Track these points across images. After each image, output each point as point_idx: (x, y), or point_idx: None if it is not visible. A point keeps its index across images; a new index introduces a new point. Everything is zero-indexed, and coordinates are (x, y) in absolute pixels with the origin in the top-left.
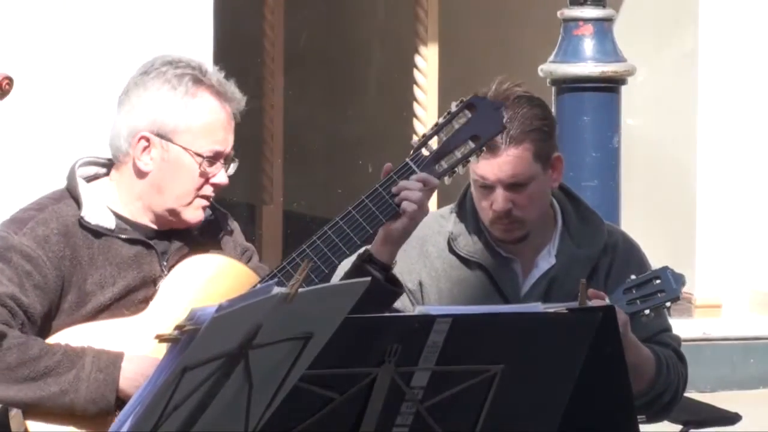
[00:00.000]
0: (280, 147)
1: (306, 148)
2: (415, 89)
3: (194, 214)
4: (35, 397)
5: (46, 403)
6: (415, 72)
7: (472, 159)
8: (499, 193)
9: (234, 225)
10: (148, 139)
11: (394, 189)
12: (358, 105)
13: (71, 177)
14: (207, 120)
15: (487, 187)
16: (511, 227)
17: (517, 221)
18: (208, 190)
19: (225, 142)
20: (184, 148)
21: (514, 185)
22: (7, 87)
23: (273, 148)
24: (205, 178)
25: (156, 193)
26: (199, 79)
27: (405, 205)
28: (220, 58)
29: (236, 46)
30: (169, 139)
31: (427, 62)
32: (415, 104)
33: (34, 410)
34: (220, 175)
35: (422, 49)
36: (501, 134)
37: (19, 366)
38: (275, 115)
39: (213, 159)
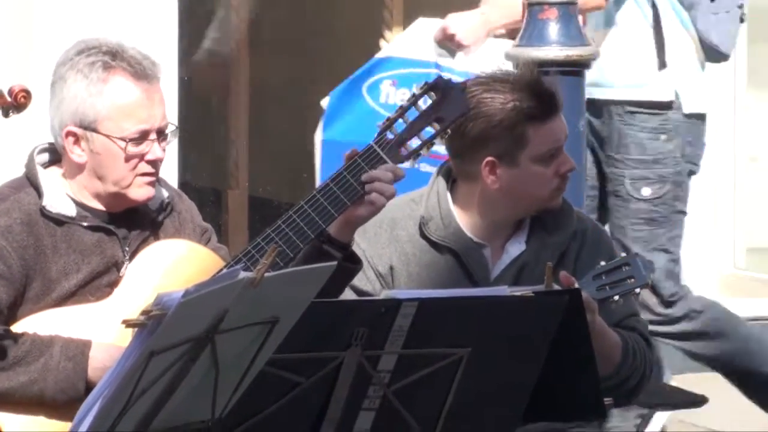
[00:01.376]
0: (245, 132)
1: (272, 132)
2: None
3: (139, 192)
4: (4, 387)
5: (15, 394)
6: None
7: (437, 141)
8: (565, 152)
9: (191, 205)
10: (74, 134)
11: (364, 177)
12: (324, 89)
13: (30, 164)
14: (123, 103)
15: (552, 156)
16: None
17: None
18: (145, 168)
19: (150, 118)
20: (106, 136)
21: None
22: (23, 100)
23: (239, 132)
24: (139, 157)
25: (97, 180)
26: (109, 64)
27: (375, 197)
28: (185, 43)
29: (202, 31)
30: (93, 129)
31: None
32: None
33: (4, 401)
34: (154, 151)
35: (387, 33)
36: (553, 94)
37: None
38: (241, 99)
39: (140, 139)
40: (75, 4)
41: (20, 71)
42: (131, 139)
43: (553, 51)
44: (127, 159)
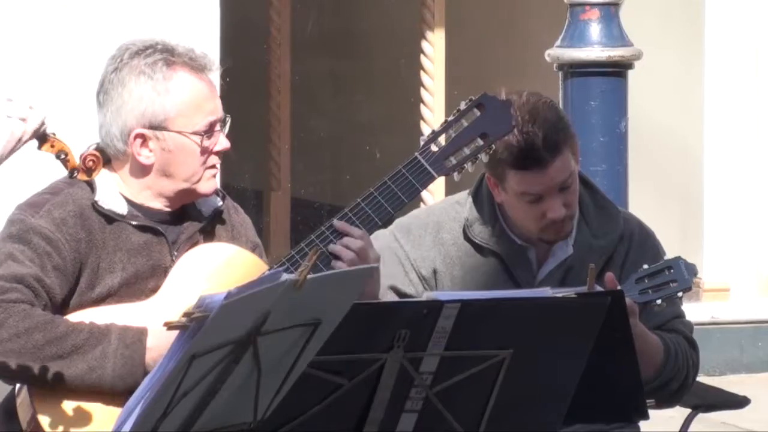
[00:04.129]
0: (288, 133)
1: (313, 133)
2: (422, 75)
3: (207, 185)
4: (63, 375)
5: (74, 381)
6: (422, 57)
7: (481, 156)
8: (555, 201)
9: (246, 219)
10: (143, 135)
11: (330, 250)
12: (365, 91)
13: None
14: (191, 97)
15: (538, 199)
16: (564, 226)
17: (569, 218)
18: (214, 160)
19: (215, 110)
20: (180, 132)
21: (563, 188)
22: (91, 164)
23: (280, 134)
24: (209, 150)
25: (165, 179)
26: (170, 60)
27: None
28: (226, 45)
29: (243, 32)
30: (164, 128)
31: (434, 48)
32: (421, 90)
33: (63, 388)
34: (221, 142)
35: (429, 34)
36: (543, 145)
37: (46, 344)
38: (282, 100)
39: (210, 131)
40: (116, 6)
41: (62, 78)
42: (204, 132)
43: (595, 51)
44: (203, 152)
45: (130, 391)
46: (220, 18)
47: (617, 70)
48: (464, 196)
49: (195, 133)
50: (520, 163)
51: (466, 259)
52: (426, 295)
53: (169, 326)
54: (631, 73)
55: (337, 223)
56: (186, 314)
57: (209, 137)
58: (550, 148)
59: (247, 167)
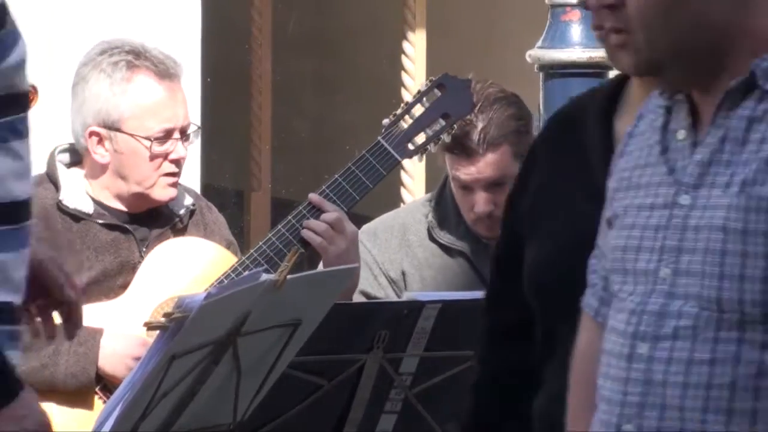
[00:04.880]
0: (268, 133)
1: (294, 134)
2: (403, 75)
3: (162, 192)
4: None
5: (27, 378)
6: (403, 58)
7: (443, 136)
8: (480, 196)
9: (219, 217)
10: (98, 134)
11: (303, 225)
12: (346, 91)
13: (51, 162)
14: (148, 102)
15: (468, 188)
16: (494, 225)
17: (499, 219)
18: (168, 168)
19: (174, 118)
20: (131, 135)
21: (494, 185)
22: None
23: (261, 134)
24: (162, 157)
25: (120, 180)
26: (133, 63)
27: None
28: (207, 45)
29: (224, 32)
30: (116, 129)
31: (415, 48)
32: (403, 90)
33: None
34: (177, 150)
35: (410, 35)
36: (478, 137)
37: None
38: (263, 101)
39: (164, 138)
40: (97, 6)
41: (41, 76)
42: (156, 138)
43: (576, 53)
44: (152, 158)
45: (82, 391)
46: (201, 18)
47: (598, 71)
48: (428, 198)
49: (146, 138)
50: (451, 147)
51: (433, 260)
52: (406, 296)
53: (149, 327)
54: (611, 74)
55: (312, 196)
56: (165, 314)
57: (162, 143)
58: (483, 141)
59: (227, 167)
